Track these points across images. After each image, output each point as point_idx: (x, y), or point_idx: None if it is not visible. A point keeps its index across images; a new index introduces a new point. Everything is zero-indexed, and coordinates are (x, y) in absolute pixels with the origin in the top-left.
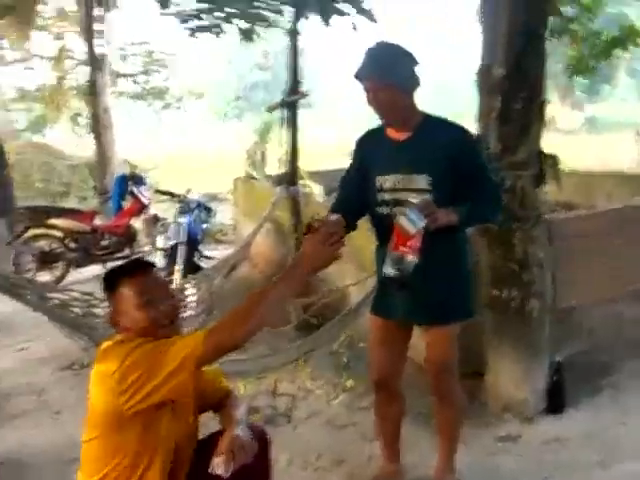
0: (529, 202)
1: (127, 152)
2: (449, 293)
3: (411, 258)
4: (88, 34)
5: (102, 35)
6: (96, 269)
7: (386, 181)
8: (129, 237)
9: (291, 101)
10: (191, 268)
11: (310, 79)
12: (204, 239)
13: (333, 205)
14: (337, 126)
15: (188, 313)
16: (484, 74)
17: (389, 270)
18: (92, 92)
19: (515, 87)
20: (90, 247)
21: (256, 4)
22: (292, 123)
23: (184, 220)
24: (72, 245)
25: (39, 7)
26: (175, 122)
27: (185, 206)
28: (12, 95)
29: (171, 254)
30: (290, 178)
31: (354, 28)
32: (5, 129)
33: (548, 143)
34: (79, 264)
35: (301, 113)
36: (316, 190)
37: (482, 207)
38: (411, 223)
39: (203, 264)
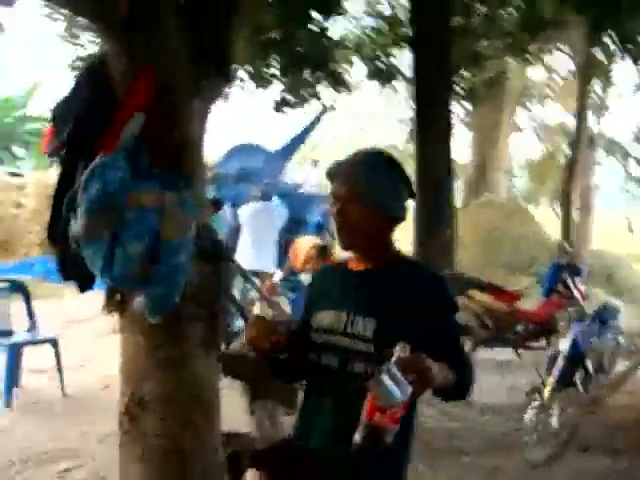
0: None
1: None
2: None
3: (391, 429)
4: (580, 108)
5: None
6: (504, 352)
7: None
8: (548, 328)
9: None
10: (565, 384)
11: None
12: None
13: None
14: None
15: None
16: None
17: (359, 440)
18: (571, 170)
19: None
20: (503, 328)
21: None
22: None
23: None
24: (487, 322)
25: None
26: None
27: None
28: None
29: (549, 362)
30: None
31: None
32: (503, 193)
33: None
34: (486, 343)
35: None
36: None
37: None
38: (389, 393)
39: (578, 382)
